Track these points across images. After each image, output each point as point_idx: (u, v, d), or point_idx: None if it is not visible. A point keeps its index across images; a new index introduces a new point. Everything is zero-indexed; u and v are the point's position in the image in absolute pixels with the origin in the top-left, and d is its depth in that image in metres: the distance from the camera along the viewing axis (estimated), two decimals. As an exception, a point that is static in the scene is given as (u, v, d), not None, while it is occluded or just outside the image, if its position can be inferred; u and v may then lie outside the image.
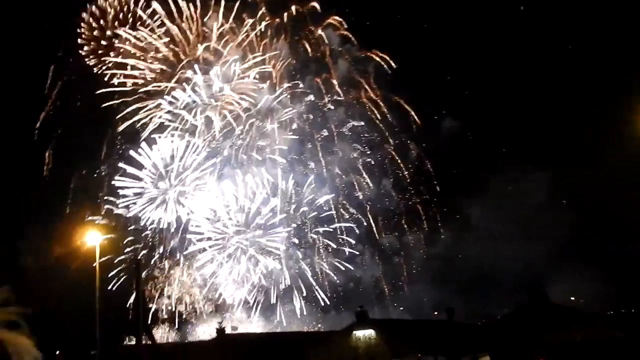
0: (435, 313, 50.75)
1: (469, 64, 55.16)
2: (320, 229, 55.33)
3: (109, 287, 51.62)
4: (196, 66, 53.94)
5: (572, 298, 48.95)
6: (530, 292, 42.87)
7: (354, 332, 42.52)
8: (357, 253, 55.43)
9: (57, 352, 44.57)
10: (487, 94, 55.14)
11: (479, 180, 53.93)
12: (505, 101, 54.87)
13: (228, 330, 50.12)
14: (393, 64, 55.04)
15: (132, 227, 54.18)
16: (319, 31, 56.15)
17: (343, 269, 54.96)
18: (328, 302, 54.68)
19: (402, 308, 55.30)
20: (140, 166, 53.46)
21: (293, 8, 55.34)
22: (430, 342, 41.00)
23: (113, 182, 53.27)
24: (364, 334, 42.11)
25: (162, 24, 54.36)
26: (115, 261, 53.09)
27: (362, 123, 56.52)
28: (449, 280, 52.09)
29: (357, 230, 55.66)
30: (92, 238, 36.91)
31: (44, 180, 52.66)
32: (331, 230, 55.29)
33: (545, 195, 51.60)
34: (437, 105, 55.94)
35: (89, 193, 53.56)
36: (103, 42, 55.86)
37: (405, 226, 57.01)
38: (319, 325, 55.88)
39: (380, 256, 56.65)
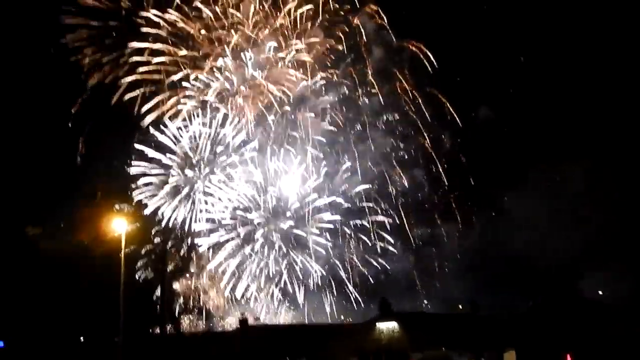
0: (460, 307, 50.04)
1: (505, 54, 53.89)
2: (352, 222, 55.06)
3: (136, 276, 52.10)
4: (228, 52, 53.85)
5: (600, 292, 47.72)
6: (557, 286, 42.08)
7: (377, 324, 42.29)
8: (390, 248, 54.98)
9: (81, 338, 45.28)
10: (523, 84, 53.80)
11: (514, 172, 52.82)
12: (542, 91, 53.41)
13: (251, 322, 50.36)
14: (430, 55, 54.07)
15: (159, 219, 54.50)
16: (355, 20, 55.33)
17: (375, 263, 54.66)
18: (358, 297, 54.53)
19: (425, 302, 54.36)
20: (165, 152, 53.69)
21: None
22: (454, 336, 40.52)
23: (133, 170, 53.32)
24: (387, 326, 41.84)
25: (195, 8, 53.93)
26: (143, 251, 53.55)
27: (397, 116, 55.72)
28: (482, 273, 50.87)
29: (388, 224, 55.21)
30: (118, 225, 37.55)
31: (76, 167, 53.00)
32: (363, 223, 54.95)
33: (583, 186, 50.01)
34: (473, 96, 54.56)
35: (119, 182, 53.89)
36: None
37: (438, 220, 56.07)
38: (349, 319, 55.57)
39: (412, 249, 55.54)
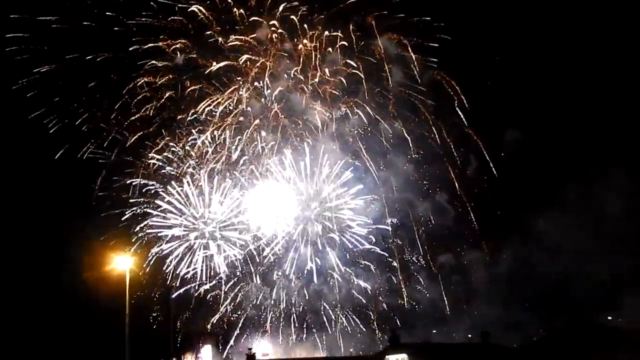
0: (470, 336, 49.40)
1: (529, 73, 53.59)
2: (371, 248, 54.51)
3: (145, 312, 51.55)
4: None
5: (620, 320, 46.63)
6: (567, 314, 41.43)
7: (387, 356, 41.74)
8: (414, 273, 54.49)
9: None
10: (550, 102, 53.01)
11: (543, 193, 52.09)
12: (570, 109, 52.70)
13: (259, 357, 49.57)
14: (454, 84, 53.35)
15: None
16: (378, 44, 54.44)
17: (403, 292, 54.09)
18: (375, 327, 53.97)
19: (454, 335, 53.20)
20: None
21: (351, 25, 53.79)
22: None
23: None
24: (397, 358, 41.28)
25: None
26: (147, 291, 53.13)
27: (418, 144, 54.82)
28: (511, 299, 49.98)
29: (414, 254, 54.75)
30: (121, 263, 37.37)
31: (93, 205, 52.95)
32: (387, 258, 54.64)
33: (616, 206, 49.09)
34: (498, 119, 53.18)
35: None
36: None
37: (464, 245, 54.89)
38: (360, 351, 54.81)
39: (436, 277, 54.30)
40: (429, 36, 52.55)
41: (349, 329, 54.04)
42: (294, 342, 54.96)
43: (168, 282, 52.19)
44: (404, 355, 41.13)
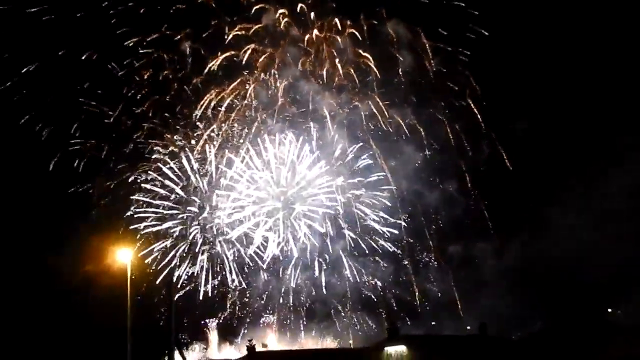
0: (468, 328, 49.70)
1: (541, 64, 53.02)
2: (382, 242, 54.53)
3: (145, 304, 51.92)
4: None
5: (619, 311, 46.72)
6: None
7: (385, 348, 42.04)
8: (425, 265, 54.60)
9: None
10: (561, 92, 52.63)
11: (554, 183, 51.95)
12: (581, 96, 52.23)
13: (259, 348, 50.01)
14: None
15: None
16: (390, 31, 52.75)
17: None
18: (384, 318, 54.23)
19: (469, 327, 52.05)
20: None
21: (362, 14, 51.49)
22: (463, 359, 40.15)
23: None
24: (395, 350, 41.57)
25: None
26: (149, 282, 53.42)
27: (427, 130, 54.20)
28: (520, 292, 49.95)
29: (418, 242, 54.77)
30: (123, 255, 37.60)
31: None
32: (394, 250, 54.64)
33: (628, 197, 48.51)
34: (509, 108, 52.95)
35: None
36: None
37: (474, 237, 54.32)
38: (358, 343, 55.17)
39: (446, 268, 54.52)
40: (442, 24, 51.69)
41: (356, 320, 54.94)
42: (302, 332, 55.45)
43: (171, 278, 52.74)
44: (403, 347, 41.41)
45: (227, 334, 57.75)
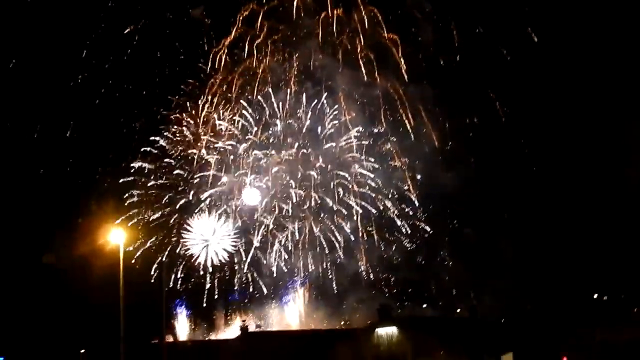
0: (458, 310, 50.42)
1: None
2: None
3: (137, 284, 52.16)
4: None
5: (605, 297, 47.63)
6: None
7: (377, 329, 42.48)
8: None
9: (82, 351, 45.28)
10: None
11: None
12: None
13: (252, 329, 50.64)
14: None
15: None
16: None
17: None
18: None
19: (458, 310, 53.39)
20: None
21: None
22: (454, 341, 40.74)
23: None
24: (387, 331, 42.04)
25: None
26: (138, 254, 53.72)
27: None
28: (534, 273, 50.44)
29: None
30: (115, 237, 37.62)
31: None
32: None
33: None
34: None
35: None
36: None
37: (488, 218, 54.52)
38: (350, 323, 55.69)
39: (460, 250, 54.62)
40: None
41: (366, 299, 54.79)
42: (310, 311, 55.77)
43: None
44: (394, 328, 41.90)
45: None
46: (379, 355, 41.33)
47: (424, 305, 54.52)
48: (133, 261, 52.61)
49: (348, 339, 45.33)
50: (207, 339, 55.27)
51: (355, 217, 54.47)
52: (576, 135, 52.18)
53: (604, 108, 51.01)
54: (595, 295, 47.69)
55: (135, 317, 41.24)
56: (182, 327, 59.13)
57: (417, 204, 54.61)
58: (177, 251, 54.58)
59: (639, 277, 44.45)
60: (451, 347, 40.23)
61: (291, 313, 57.87)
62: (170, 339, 52.30)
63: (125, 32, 51.36)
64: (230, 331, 56.93)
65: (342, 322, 55.65)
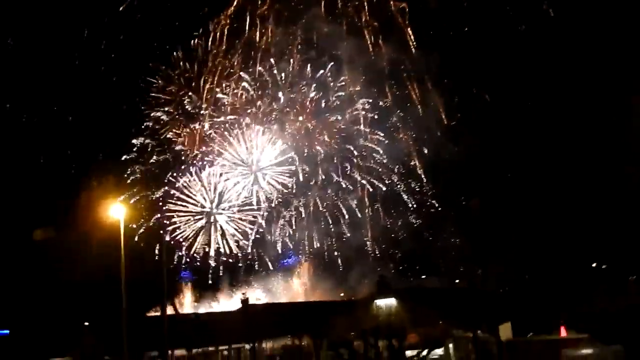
0: (457, 281, 50.74)
1: None
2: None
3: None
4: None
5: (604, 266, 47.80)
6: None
7: (375, 301, 42.81)
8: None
9: (85, 324, 45.83)
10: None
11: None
12: None
13: (252, 301, 51.09)
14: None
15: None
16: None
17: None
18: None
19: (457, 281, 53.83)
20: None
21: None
22: (452, 311, 41.09)
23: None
24: (385, 302, 42.37)
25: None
26: (141, 230, 54.01)
27: None
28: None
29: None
30: (116, 211, 37.74)
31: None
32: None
33: None
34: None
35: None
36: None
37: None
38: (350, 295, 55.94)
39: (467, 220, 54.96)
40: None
41: (369, 273, 54.81)
42: (313, 285, 56.15)
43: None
44: (392, 299, 42.22)
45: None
46: (378, 326, 41.76)
47: (423, 277, 54.94)
48: (136, 239, 53.02)
49: (347, 309, 45.75)
50: (209, 311, 55.83)
51: (360, 192, 54.54)
52: (580, 107, 51.71)
53: (612, 79, 50.36)
54: (594, 265, 47.88)
55: (138, 291, 41.74)
56: (186, 300, 59.88)
57: (423, 178, 54.50)
58: (180, 227, 54.87)
59: (636, 245, 44.50)
60: (450, 317, 40.68)
61: (295, 286, 58.34)
62: (171, 311, 52.79)
63: (121, 8, 50.71)
64: (232, 304, 57.63)
65: (342, 294, 56.13)
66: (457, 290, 47.59)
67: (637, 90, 45.14)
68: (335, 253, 56.11)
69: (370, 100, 54.44)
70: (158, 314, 51.26)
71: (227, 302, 57.89)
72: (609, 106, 49.51)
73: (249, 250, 56.96)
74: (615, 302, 36.25)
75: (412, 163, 54.81)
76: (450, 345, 40.06)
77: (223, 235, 57.12)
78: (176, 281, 57.27)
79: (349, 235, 55.79)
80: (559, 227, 49.03)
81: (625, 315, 34.15)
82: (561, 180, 50.83)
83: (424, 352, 40.18)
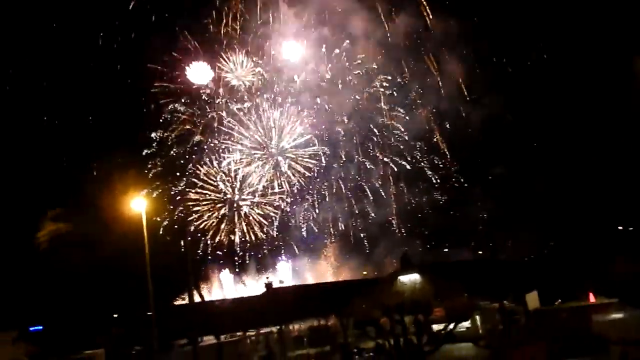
0: (480, 252, 50.50)
1: None
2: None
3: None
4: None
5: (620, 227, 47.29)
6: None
7: (399, 277, 42.81)
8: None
9: (115, 315, 46.73)
10: None
11: None
12: None
13: (276, 285, 51.51)
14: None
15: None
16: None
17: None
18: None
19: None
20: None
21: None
22: (476, 283, 40.90)
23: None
24: (409, 278, 42.34)
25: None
26: (165, 223, 54.44)
27: None
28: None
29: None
30: (137, 205, 38.14)
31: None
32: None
33: None
34: None
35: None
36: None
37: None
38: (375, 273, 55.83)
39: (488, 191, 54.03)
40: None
41: (396, 247, 55.02)
42: (339, 265, 56.25)
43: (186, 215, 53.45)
44: (416, 275, 42.20)
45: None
46: (403, 302, 41.62)
47: (446, 250, 54.77)
48: (161, 231, 53.55)
49: (372, 288, 45.83)
50: (234, 297, 56.45)
51: (382, 171, 54.31)
52: (603, 71, 50.54)
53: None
54: (620, 228, 47.23)
55: (164, 281, 42.34)
56: (214, 287, 60.55)
57: (446, 152, 54.04)
58: (203, 216, 55.14)
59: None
60: (475, 289, 40.50)
61: (322, 267, 58.54)
62: (197, 299, 53.44)
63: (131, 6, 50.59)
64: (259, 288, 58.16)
65: (365, 273, 56.27)
66: (481, 262, 47.40)
67: None
68: (361, 234, 56.01)
69: (389, 78, 53.69)
70: (186, 301, 52.37)
71: (254, 286, 58.44)
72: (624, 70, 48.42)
73: (275, 234, 57.23)
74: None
75: (434, 139, 54.30)
76: (477, 317, 39.90)
77: (247, 222, 57.48)
78: (201, 270, 57.80)
79: (373, 215, 55.58)
80: (583, 191, 48.38)
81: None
82: (584, 146, 49.96)
83: (451, 326, 40.13)
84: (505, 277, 40.97)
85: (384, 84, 54.24)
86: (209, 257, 58.81)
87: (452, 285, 40.88)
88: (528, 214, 49.68)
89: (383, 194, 55.27)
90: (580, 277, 37.99)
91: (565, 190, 49.54)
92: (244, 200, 56.98)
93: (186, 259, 53.54)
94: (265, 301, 47.14)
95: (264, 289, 49.77)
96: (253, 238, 57.57)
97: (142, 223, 36.42)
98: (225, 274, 61.74)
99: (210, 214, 56.89)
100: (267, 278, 51.22)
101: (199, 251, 57.00)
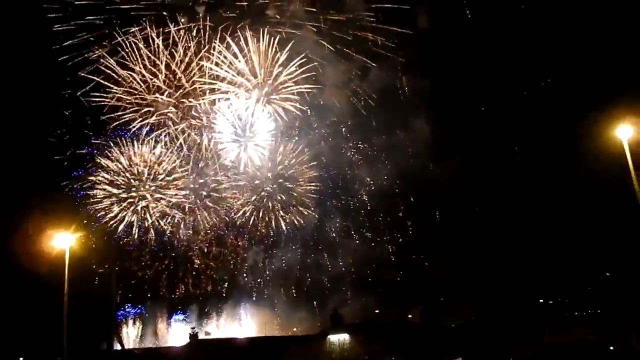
0: (410, 316, 50.72)
1: None
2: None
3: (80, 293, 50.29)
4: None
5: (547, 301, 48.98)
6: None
7: (329, 336, 42.45)
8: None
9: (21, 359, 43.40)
10: None
11: None
12: None
13: (201, 336, 49.60)
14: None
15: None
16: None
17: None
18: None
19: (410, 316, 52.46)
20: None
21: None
22: (405, 345, 41.05)
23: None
24: (339, 338, 42.07)
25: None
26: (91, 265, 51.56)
27: None
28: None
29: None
30: (61, 241, 36.18)
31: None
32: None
33: None
34: None
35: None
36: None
37: None
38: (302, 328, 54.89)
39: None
40: None
41: (350, 298, 53.92)
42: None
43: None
44: (345, 335, 41.97)
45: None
46: (333, 361, 41.35)
47: (377, 311, 54.62)
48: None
49: (301, 344, 45.07)
50: (155, 346, 53.73)
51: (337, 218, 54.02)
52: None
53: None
54: (541, 301, 48.98)
55: (83, 324, 39.84)
56: (131, 334, 57.36)
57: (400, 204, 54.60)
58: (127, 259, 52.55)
59: (580, 282, 46.06)
60: (403, 351, 40.63)
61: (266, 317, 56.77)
62: (117, 346, 50.69)
63: None
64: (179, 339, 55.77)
65: (296, 329, 55.10)
66: (410, 324, 47.72)
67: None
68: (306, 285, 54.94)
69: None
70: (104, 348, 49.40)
71: (180, 336, 55.79)
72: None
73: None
74: (562, 336, 37.09)
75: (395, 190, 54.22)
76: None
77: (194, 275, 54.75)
78: (118, 317, 54.77)
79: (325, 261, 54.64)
80: (509, 264, 50.08)
81: (573, 349, 34.98)
82: (518, 220, 51.86)
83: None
84: (433, 342, 41.40)
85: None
86: (129, 304, 55.65)
87: (381, 346, 41.01)
88: (462, 282, 50.65)
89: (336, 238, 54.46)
90: (504, 345, 38.80)
91: (495, 261, 51.15)
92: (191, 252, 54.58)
93: (110, 308, 51.10)
94: (189, 353, 45.32)
95: (188, 339, 47.81)
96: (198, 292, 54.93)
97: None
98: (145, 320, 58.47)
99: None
100: (193, 328, 49.17)
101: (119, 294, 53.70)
